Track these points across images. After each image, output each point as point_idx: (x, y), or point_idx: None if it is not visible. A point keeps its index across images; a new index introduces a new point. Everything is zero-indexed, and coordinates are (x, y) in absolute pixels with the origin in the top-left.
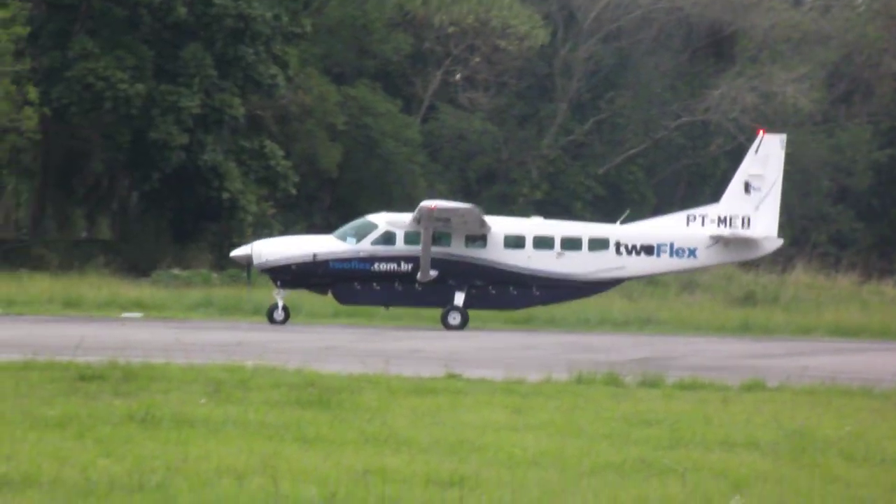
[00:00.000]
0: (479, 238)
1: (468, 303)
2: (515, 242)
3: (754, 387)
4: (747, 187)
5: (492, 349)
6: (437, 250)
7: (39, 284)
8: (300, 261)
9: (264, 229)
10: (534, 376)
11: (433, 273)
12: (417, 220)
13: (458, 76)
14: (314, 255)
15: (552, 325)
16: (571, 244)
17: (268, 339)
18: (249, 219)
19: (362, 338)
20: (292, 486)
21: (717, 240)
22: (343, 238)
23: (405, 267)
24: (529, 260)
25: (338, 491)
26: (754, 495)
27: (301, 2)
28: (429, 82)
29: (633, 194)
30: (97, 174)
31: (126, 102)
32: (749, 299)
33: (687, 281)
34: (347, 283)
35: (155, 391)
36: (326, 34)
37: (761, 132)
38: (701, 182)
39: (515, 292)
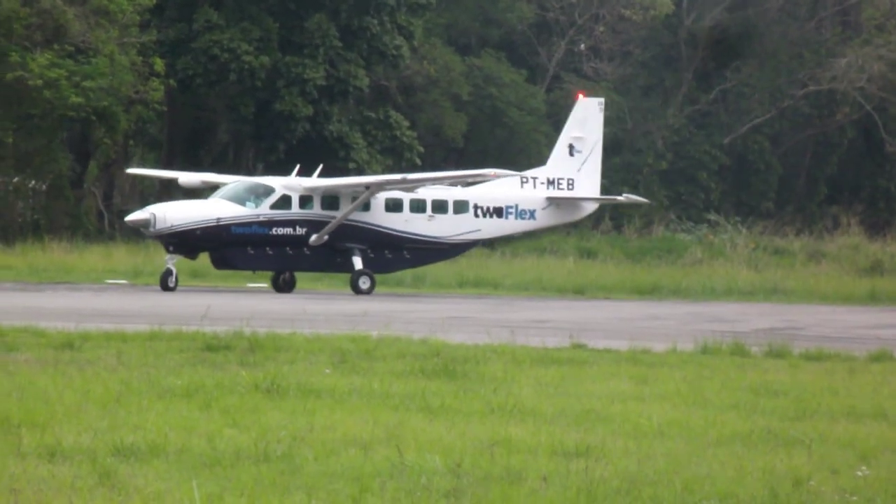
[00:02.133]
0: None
1: (339, 266)
2: (394, 206)
3: (881, 357)
4: (571, 150)
5: (617, 319)
6: (325, 214)
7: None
8: (204, 225)
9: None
10: (659, 346)
11: (324, 237)
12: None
13: (582, 46)
14: (218, 220)
15: (678, 295)
16: (440, 207)
17: (393, 309)
18: None
19: (488, 308)
20: (417, 456)
21: (552, 201)
22: (241, 202)
23: (300, 231)
24: (406, 223)
25: (462, 461)
26: (881, 466)
27: None
28: (553, 52)
29: (759, 164)
30: (222, 145)
31: (251, 74)
32: (876, 269)
33: (813, 250)
34: (239, 248)
35: (281, 361)
36: (451, 4)
37: (580, 95)
38: (828, 151)
39: (390, 256)
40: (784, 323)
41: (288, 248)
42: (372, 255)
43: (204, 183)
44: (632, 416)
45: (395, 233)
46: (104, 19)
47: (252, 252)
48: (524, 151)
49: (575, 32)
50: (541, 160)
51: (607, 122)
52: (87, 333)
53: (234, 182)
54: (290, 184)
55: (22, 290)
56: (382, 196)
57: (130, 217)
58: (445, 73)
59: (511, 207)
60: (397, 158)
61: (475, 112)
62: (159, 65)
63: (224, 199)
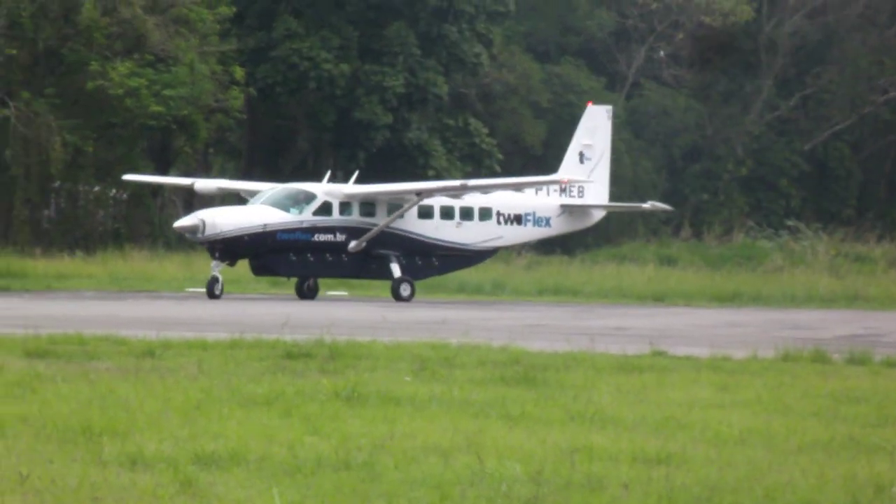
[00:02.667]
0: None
1: (375, 273)
2: (426, 212)
3: None
4: (581, 157)
5: (697, 326)
6: (364, 220)
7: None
8: (252, 231)
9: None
10: (740, 354)
11: (363, 244)
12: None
13: (662, 53)
14: (265, 226)
15: (758, 302)
16: (466, 214)
17: (472, 317)
18: None
19: (568, 315)
20: (497, 463)
21: (565, 209)
22: (285, 208)
23: (340, 237)
24: (436, 230)
25: (543, 468)
26: None
27: None
28: (632, 59)
29: (839, 170)
30: (302, 153)
31: (331, 82)
32: None
33: (894, 257)
34: (282, 254)
35: (361, 369)
36: (530, 12)
37: (589, 104)
38: None
39: (420, 262)
40: (865, 330)
41: (328, 255)
42: (403, 262)
43: (220, 190)
44: (712, 424)
45: (426, 240)
46: (184, 28)
47: (294, 258)
48: None
49: (654, 39)
50: (621, 168)
51: (688, 128)
52: (167, 342)
53: (271, 188)
54: (331, 190)
55: (103, 299)
56: (407, 202)
57: (179, 223)
58: (524, 80)
59: (529, 215)
60: (476, 166)
61: (554, 119)
62: (239, 73)
63: (268, 206)
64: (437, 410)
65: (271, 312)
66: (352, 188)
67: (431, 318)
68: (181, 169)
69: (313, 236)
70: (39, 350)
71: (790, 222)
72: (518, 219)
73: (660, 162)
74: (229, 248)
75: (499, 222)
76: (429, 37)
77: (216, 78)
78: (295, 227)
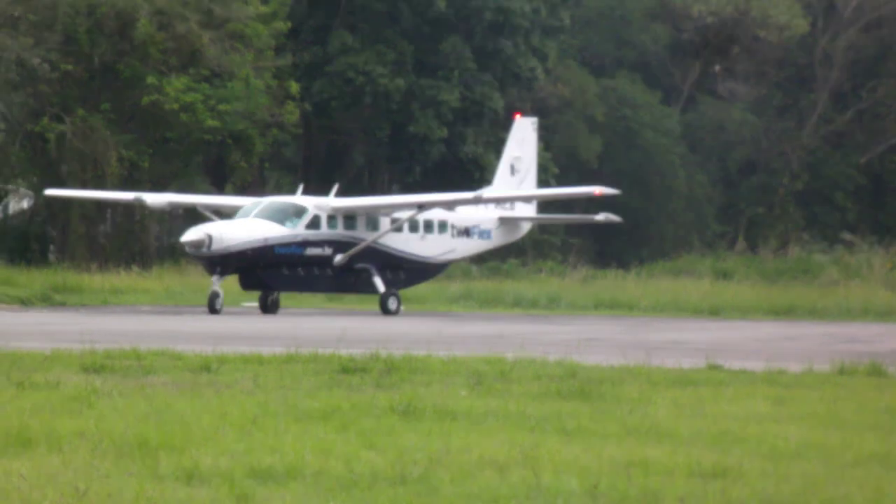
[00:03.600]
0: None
1: (356, 287)
2: (397, 226)
3: None
4: (512, 169)
5: (752, 340)
6: (348, 234)
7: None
8: (255, 246)
9: None
10: (795, 367)
11: (339, 258)
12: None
13: (717, 67)
14: (265, 240)
15: (814, 315)
16: (428, 227)
17: (528, 331)
18: None
19: (623, 329)
20: (553, 477)
21: (503, 221)
22: (281, 222)
23: (327, 251)
24: (406, 243)
25: (599, 482)
26: None
27: None
28: (688, 73)
29: (895, 183)
30: (358, 167)
31: (386, 97)
32: None
33: None
34: (275, 269)
35: (417, 383)
36: (585, 26)
37: (517, 115)
38: None
39: (390, 276)
40: None
41: (315, 269)
42: (387, 275)
43: (170, 204)
44: (768, 437)
45: (397, 253)
46: (239, 43)
47: (286, 273)
48: (659, 173)
49: (710, 53)
50: (676, 182)
51: (743, 142)
52: (223, 356)
53: (256, 201)
54: (320, 203)
55: (159, 314)
56: (386, 216)
57: (187, 238)
58: (580, 94)
59: (475, 228)
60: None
61: (609, 133)
62: (295, 88)
63: (262, 219)
64: (493, 424)
65: (327, 327)
66: (339, 201)
67: (487, 333)
68: (237, 184)
69: (305, 250)
70: (96, 365)
71: (846, 236)
72: (467, 231)
73: (715, 176)
74: (233, 262)
75: (453, 235)
76: (484, 51)
77: (271, 93)
78: (290, 240)
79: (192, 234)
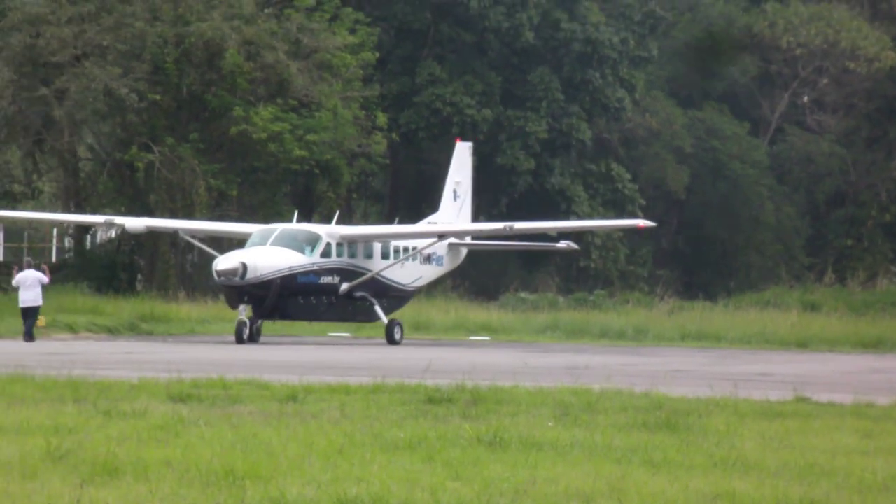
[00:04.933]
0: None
1: (355, 315)
2: (385, 252)
3: None
4: (455, 195)
5: (840, 372)
6: (352, 262)
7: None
8: (283, 274)
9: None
10: (884, 400)
11: (345, 286)
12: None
13: (805, 98)
14: (290, 268)
15: None
16: (406, 254)
17: (614, 363)
18: (597, 241)
19: (710, 361)
20: None
21: (451, 247)
22: (300, 250)
23: (335, 280)
24: (391, 271)
25: None
26: None
27: (648, 26)
28: (776, 104)
29: None
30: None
31: (473, 127)
32: None
33: None
34: (293, 297)
35: (503, 414)
36: (673, 57)
37: (458, 140)
38: None
39: (385, 304)
40: None
41: (324, 298)
42: (368, 303)
43: (148, 228)
44: (856, 470)
45: (385, 280)
46: (327, 73)
47: (302, 301)
48: (747, 204)
49: (798, 85)
50: (764, 213)
51: (831, 174)
52: (310, 386)
53: (264, 228)
54: (331, 231)
55: (246, 344)
56: (378, 244)
57: (222, 267)
58: (667, 125)
59: (434, 255)
60: (619, 211)
61: (697, 165)
62: (382, 119)
63: (282, 247)
64: (580, 456)
65: (413, 357)
66: (347, 229)
67: (574, 364)
68: (323, 213)
69: (320, 279)
70: (183, 394)
71: None
72: (429, 258)
73: (803, 208)
74: (263, 291)
75: (420, 262)
76: (572, 82)
77: (359, 123)
78: (309, 269)
79: (226, 263)
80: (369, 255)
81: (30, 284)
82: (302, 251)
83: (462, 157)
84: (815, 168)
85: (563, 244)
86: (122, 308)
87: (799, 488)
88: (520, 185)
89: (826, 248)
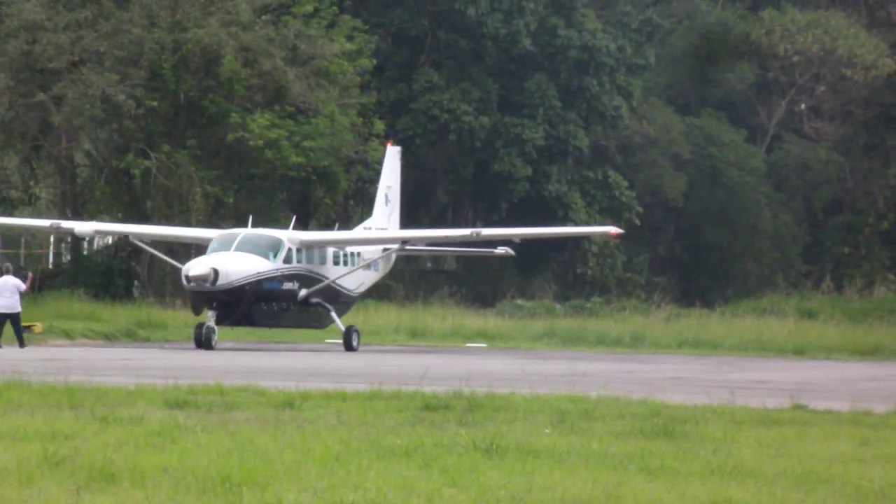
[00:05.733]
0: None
1: (309, 322)
2: (337, 259)
3: None
4: (386, 199)
5: (836, 380)
6: (309, 268)
7: (386, 315)
8: (251, 280)
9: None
10: (881, 408)
11: (303, 292)
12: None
13: (803, 105)
14: (257, 274)
15: None
16: (352, 260)
17: (611, 370)
18: (594, 249)
19: (707, 368)
20: None
21: (385, 252)
22: (264, 255)
23: (294, 286)
24: (338, 276)
25: None
26: None
27: (645, 33)
28: (773, 111)
29: None
30: (442, 205)
31: (470, 134)
32: None
33: None
34: (257, 303)
35: (500, 421)
36: (671, 64)
37: (388, 144)
38: None
39: (321, 310)
40: None
41: (283, 304)
42: (323, 309)
43: (97, 232)
44: (853, 478)
45: (336, 286)
46: (325, 80)
47: (264, 307)
48: (744, 211)
49: (795, 92)
50: (761, 221)
51: (829, 181)
52: (306, 393)
53: (225, 233)
54: (291, 237)
55: (242, 350)
56: (330, 250)
57: (194, 272)
58: (665, 132)
59: (373, 260)
60: (616, 218)
61: (694, 172)
62: (379, 125)
63: (247, 252)
64: (576, 463)
65: (409, 364)
66: (306, 235)
67: (570, 371)
68: (321, 220)
69: (282, 285)
70: (179, 400)
71: None
72: (369, 265)
73: (800, 215)
74: (231, 297)
75: (364, 268)
76: (569, 89)
77: (356, 130)
78: (273, 275)
79: (198, 269)
80: (323, 261)
81: (8, 291)
82: (266, 257)
83: (392, 161)
84: (813, 175)
85: (500, 250)
86: (119, 314)
87: (796, 496)
88: (517, 191)
89: (823, 256)
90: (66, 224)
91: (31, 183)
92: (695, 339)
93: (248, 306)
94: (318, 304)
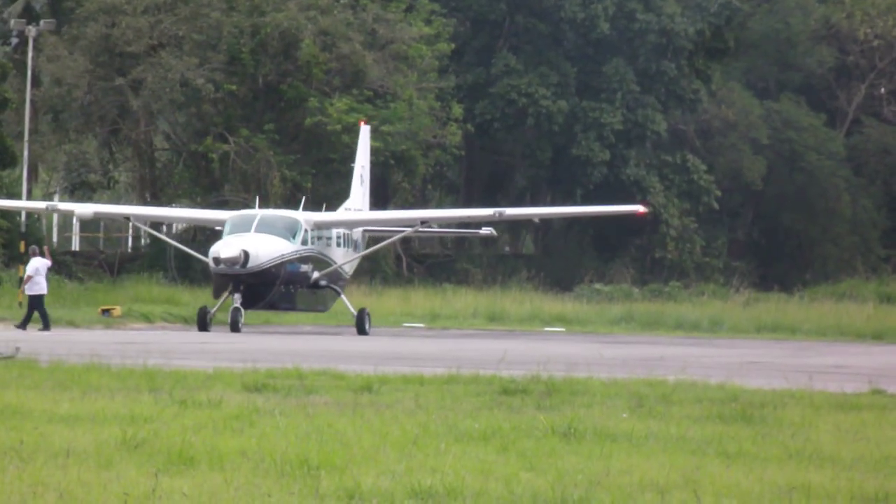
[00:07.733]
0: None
1: (317, 304)
2: (339, 241)
3: None
4: (361, 179)
5: None
6: (314, 249)
7: (464, 299)
8: (277, 262)
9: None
10: None
11: (315, 275)
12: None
13: (882, 89)
14: (282, 256)
15: None
16: (347, 242)
17: (690, 354)
18: (672, 233)
19: (786, 353)
20: (714, 501)
21: (365, 232)
22: (286, 237)
23: (308, 268)
24: (341, 259)
25: None
26: None
27: (724, 17)
28: (853, 96)
29: None
30: (519, 189)
31: (548, 119)
32: None
33: None
34: (279, 286)
35: (577, 405)
36: (750, 48)
37: (362, 123)
38: None
39: (329, 293)
40: None
41: (298, 287)
42: (332, 292)
43: (96, 214)
44: None
45: (339, 270)
46: (403, 65)
47: (283, 290)
48: (823, 195)
49: (875, 76)
50: (840, 205)
51: None
52: (385, 377)
53: (239, 214)
54: (307, 218)
55: (321, 334)
56: (335, 231)
57: (223, 254)
58: (743, 116)
59: (356, 240)
60: (694, 202)
61: (773, 156)
62: (457, 110)
63: (268, 234)
64: (654, 447)
65: (487, 348)
66: (321, 216)
67: (648, 355)
68: (398, 204)
69: (300, 267)
70: (258, 384)
71: None
72: (355, 244)
73: (880, 200)
74: (260, 280)
75: (354, 249)
76: (647, 73)
77: (434, 114)
78: (293, 257)
79: (228, 251)
80: (329, 244)
81: (41, 275)
82: (286, 238)
83: (365, 140)
84: (893, 160)
85: (485, 231)
86: (198, 298)
87: (874, 481)
88: (595, 175)
89: None
90: (64, 206)
91: (110, 167)
92: (773, 323)
93: (271, 289)
94: (326, 286)
